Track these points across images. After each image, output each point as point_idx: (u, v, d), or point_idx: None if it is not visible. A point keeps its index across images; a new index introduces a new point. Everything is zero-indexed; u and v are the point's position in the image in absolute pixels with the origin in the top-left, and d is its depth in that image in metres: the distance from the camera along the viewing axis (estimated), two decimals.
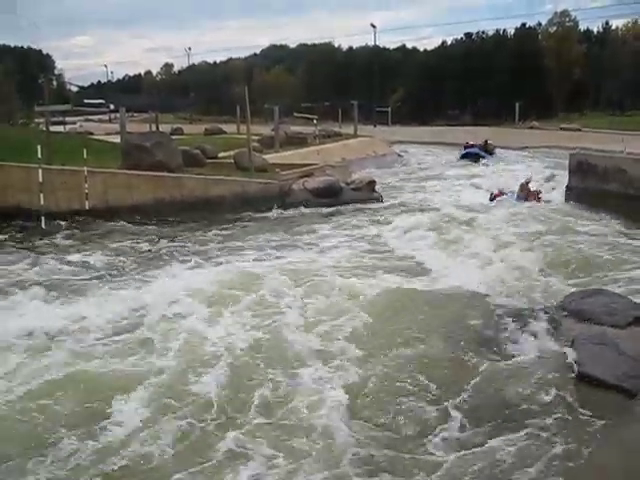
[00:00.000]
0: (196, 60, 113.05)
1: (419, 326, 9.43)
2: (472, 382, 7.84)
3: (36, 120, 36.03)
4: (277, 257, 14.06)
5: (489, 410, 7.26)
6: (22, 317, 9.81)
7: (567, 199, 21.71)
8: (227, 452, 6.44)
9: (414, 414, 7.14)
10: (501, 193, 22.90)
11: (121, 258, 14.59)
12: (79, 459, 6.28)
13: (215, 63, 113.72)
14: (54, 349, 8.64)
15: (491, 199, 22.64)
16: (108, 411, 7.06)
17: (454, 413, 7.14)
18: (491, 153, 41.83)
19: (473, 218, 18.47)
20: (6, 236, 16.84)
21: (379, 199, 22.45)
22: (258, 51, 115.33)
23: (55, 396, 7.29)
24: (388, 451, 6.50)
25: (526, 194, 22.06)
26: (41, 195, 18.03)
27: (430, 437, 6.75)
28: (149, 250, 15.64)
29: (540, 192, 22.56)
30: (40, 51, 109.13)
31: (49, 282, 12.36)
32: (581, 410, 7.16)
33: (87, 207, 18.82)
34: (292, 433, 6.76)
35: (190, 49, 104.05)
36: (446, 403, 7.36)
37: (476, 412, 7.20)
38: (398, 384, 7.77)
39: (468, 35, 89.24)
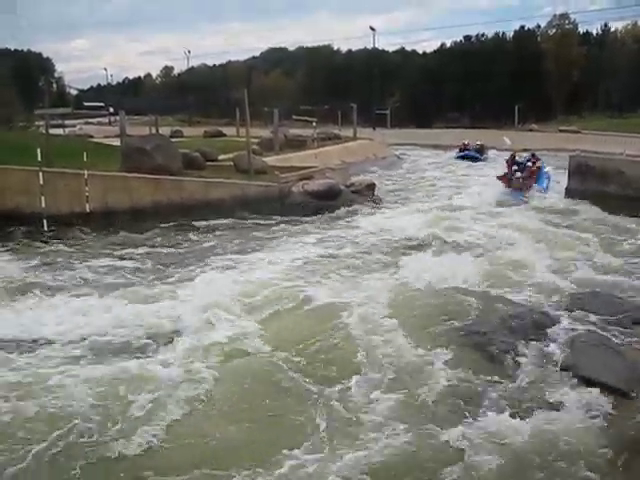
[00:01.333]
0: (195, 63, 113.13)
1: (412, 325, 9.54)
2: (466, 383, 7.89)
3: (36, 123, 36.18)
4: (278, 261, 14.03)
5: (482, 409, 7.31)
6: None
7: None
8: None
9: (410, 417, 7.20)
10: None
11: (124, 263, 14.55)
12: None
13: (214, 66, 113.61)
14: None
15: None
16: None
17: (448, 414, 7.19)
18: (483, 154, 42.87)
19: (472, 216, 18.72)
20: (11, 239, 16.82)
21: (378, 201, 22.45)
22: (257, 54, 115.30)
23: None
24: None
25: (520, 184, 22.84)
26: (42, 198, 18.06)
27: (428, 431, 6.81)
28: (150, 254, 15.63)
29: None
30: (40, 54, 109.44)
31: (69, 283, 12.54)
32: (579, 412, 7.18)
33: (88, 210, 18.83)
34: None
35: (190, 52, 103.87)
36: (441, 404, 7.42)
37: (470, 413, 7.24)
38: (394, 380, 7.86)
39: (467, 38, 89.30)
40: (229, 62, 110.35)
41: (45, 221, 17.92)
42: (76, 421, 6.95)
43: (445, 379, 7.92)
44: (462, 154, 42.38)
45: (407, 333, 9.28)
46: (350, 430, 6.88)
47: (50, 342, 9.15)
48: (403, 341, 9.02)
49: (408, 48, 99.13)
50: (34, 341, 9.19)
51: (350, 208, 21.01)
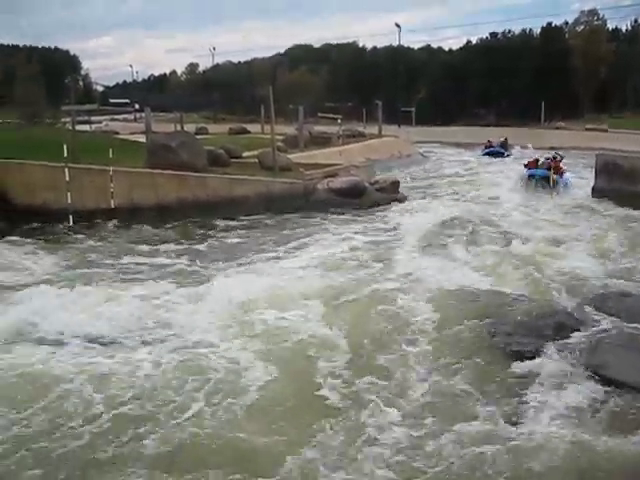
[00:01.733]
0: (220, 60, 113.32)
1: (440, 321, 9.52)
2: (489, 383, 7.83)
3: (63, 119, 36.49)
4: (316, 255, 14.05)
5: (508, 412, 7.21)
6: None
7: None
8: None
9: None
10: (536, 161, 25.14)
11: (157, 260, 14.57)
12: None
13: (239, 63, 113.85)
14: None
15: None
16: None
17: (475, 421, 7.05)
18: (507, 149, 43.17)
19: (501, 214, 18.62)
20: (41, 235, 16.95)
21: (403, 199, 22.34)
22: (282, 51, 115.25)
23: None
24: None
25: (548, 164, 23.91)
26: (68, 194, 18.21)
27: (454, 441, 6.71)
28: (179, 250, 15.67)
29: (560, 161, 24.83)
30: (67, 51, 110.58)
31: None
32: (605, 415, 7.07)
33: (112, 205, 18.96)
34: None
35: (214, 49, 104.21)
36: (467, 404, 7.37)
37: (494, 412, 7.16)
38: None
39: (493, 35, 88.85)
40: (254, 59, 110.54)
41: (71, 217, 18.08)
42: (121, 410, 7.07)
43: (469, 384, 7.82)
44: (487, 151, 42.67)
45: (436, 330, 9.31)
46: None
47: (95, 334, 9.25)
48: (433, 338, 9.06)
49: (434, 45, 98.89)
50: (83, 333, 9.27)
51: (375, 205, 20.93)
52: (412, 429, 6.85)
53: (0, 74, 62.60)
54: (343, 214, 19.78)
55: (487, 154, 42.06)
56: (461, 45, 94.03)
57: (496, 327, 9.28)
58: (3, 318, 9.56)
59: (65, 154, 18.36)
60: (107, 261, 14.22)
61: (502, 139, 44.16)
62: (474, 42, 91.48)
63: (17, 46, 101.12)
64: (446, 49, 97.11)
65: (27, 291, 10.98)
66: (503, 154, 41.33)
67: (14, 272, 12.99)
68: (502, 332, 9.10)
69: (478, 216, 18.10)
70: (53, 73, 70.14)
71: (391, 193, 22.33)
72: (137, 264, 13.96)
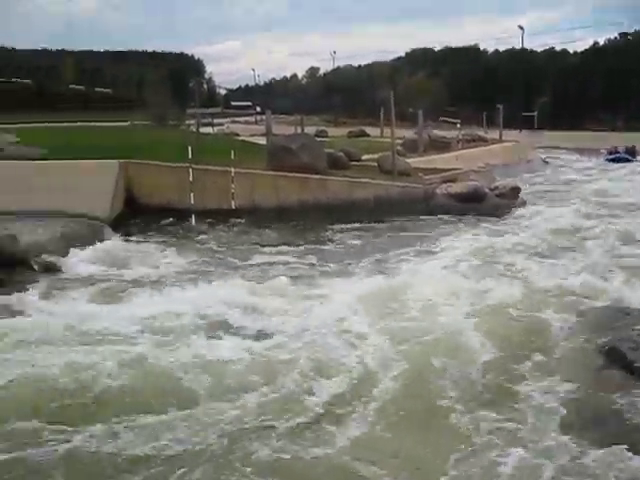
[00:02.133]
0: (341, 63, 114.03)
1: (559, 336, 9.32)
2: (611, 406, 7.43)
3: (186, 122, 37.61)
4: (440, 262, 13.79)
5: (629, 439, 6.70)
6: None
7: None
8: None
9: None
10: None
11: (279, 258, 14.69)
12: None
13: (360, 66, 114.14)
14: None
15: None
16: None
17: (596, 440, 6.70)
18: (635, 156, 41.95)
19: (631, 222, 18.20)
20: (167, 234, 17.35)
21: (524, 205, 21.84)
22: (402, 54, 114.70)
23: None
24: None
25: None
26: (191, 194, 18.66)
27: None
28: (303, 251, 15.60)
29: None
30: (192, 56, 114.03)
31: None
32: None
33: (233, 206, 19.31)
34: None
35: (335, 53, 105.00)
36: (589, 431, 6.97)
37: (615, 438, 6.71)
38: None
39: (622, 35, 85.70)
40: (374, 63, 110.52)
41: (193, 216, 18.49)
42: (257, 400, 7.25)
43: (590, 408, 7.47)
44: (612, 157, 41.27)
45: (561, 343, 9.11)
46: None
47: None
48: (557, 355, 8.84)
49: (558, 48, 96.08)
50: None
51: (496, 211, 20.49)
52: (533, 461, 6.36)
53: (134, 78, 65.39)
54: (464, 219, 19.46)
55: (612, 160, 40.71)
56: (587, 47, 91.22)
57: (620, 343, 8.86)
58: (199, 310, 9.95)
59: (190, 155, 18.84)
60: (237, 259, 14.44)
61: (629, 145, 42.66)
62: (601, 43, 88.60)
63: (146, 52, 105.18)
64: (571, 51, 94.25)
65: (193, 287, 11.41)
66: (630, 160, 39.92)
67: (154, 269, 13.35)
68: (626, 348, 8.68)
69: (604, 224, 17.56)
70: (179, 77, 72.52)
71: (511, 199, 21.89)
72: (269, 263, 14.10)
